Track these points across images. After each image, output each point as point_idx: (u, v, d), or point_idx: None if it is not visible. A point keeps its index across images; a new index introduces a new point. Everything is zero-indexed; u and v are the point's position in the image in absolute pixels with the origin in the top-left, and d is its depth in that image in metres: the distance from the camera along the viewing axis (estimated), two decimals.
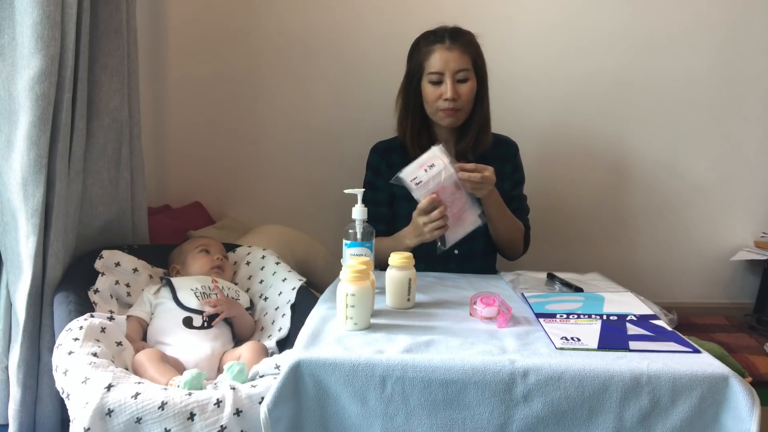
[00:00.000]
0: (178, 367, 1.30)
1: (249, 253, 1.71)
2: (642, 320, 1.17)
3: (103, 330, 1.26)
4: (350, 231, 1.28)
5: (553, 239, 2.19)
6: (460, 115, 1.60)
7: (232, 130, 2.18)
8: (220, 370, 1.35)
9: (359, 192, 1.31)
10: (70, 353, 1.16)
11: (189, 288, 1.48)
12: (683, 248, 2.24)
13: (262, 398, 1.01)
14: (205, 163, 2.20)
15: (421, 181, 1.41)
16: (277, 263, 1.64)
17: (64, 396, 1.11)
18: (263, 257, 1.68)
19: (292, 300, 1.49)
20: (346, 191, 1.33)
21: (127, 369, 1.23)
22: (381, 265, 1.37)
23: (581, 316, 1.19)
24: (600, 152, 2.19)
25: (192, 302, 1.45)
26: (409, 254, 1.25)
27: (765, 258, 2.11)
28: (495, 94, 1.66)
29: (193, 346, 1.37)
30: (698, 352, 1.04)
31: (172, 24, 2.12)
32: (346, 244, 1.29)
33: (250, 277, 1.66)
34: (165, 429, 1.01)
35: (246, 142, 2.19)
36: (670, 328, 1.14)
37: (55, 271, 1.44)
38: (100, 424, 1.01)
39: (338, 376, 0.97)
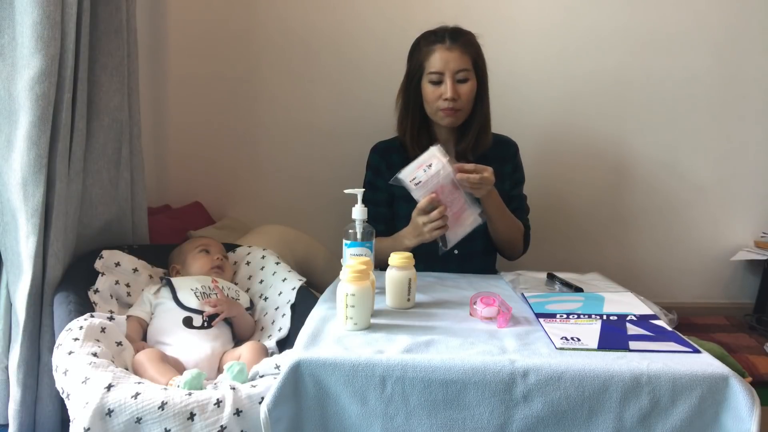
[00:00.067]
0: (178, 367, 1.30)
1: (249, 253, 1.70)
2: (642, 320, 1.17)
3: (103, 330, 1.26)
4: (350, 231, 1.28)
5: (553, 239, 2.19)
6: (460, 115, 1.60)
7: (233, 130, 2.18)
8: (220, 370, 1.35)
9: (359, 192, 1.31)
10: (70, 353, 1.16)
11: (189, 288, 1.48)
12: (683, 248, 2.24)
13: (262, 398, 1.01)
14: (205, 163, 2.20)
15: (420, 182, 1.41)
16: (277, 263, 1.64)
17: (64, 396, 1.11)
18: (263, 257, 1.68)
19: (292, 300, 1.49)
20: (346, 191, 1.33)
21: (127, 369, 1.23)
22: (381, 265, 1.37)
23: (581, 316, 1.19)
24: (600, 152, 2.19)
25: (192, 302, 1.45)
26: (409, 254, 1.24)
27: (765, 258, 2.10)
28: (495, 94, 1.66)
29: (193, 346, 1.37)
30: (698, 352, 1.04)
31: (172, 24, 2.12)
32: (346, 244, 1.29)
33: (250, 277, 1.66)
34: (165, 429, 1.01)
35: (246, 142, 2.19)
36: (670, 328, 1.14)
37: (55, 271, 1.44)
38: (100, 424, 1.01)
39: (338, 376, 0.97)
